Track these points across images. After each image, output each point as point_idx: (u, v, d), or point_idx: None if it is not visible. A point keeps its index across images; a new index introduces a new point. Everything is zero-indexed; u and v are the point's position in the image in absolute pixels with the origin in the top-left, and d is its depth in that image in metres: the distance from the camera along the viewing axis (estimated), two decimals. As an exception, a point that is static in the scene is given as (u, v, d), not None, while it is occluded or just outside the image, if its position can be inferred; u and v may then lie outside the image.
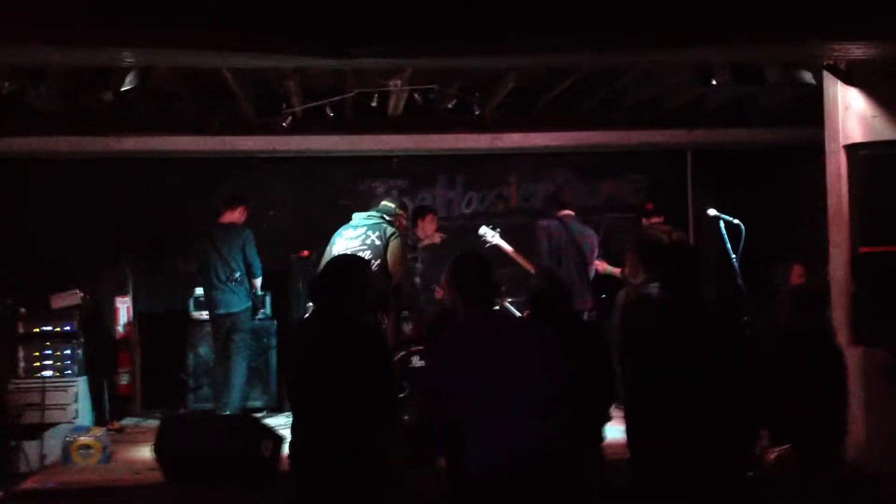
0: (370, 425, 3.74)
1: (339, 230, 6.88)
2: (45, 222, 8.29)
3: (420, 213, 7.72)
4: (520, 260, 7.30)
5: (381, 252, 6.62)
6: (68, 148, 7.77)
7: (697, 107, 8.02)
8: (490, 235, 7.42)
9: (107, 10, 4.41)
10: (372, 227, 6.78)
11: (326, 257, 6.61)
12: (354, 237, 6.75)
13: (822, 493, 4.68)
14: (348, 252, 6.36)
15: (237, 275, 7.38)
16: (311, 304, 4.91)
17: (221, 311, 7.46)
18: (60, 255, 8.18)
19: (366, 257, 6.37)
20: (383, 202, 7.17)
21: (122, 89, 5.55)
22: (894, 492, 5.10)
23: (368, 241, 6.71)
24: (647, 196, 9.02)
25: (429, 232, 7.62)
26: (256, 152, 8.13)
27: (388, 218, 6.91)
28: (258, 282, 7.65)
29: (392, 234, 6.70)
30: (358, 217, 6.91)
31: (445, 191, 9.19)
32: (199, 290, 7.96)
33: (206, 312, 7.78)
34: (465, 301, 3.84)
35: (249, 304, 7.53)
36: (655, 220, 7.56)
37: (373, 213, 6.93)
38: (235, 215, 7.63)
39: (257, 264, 7.53)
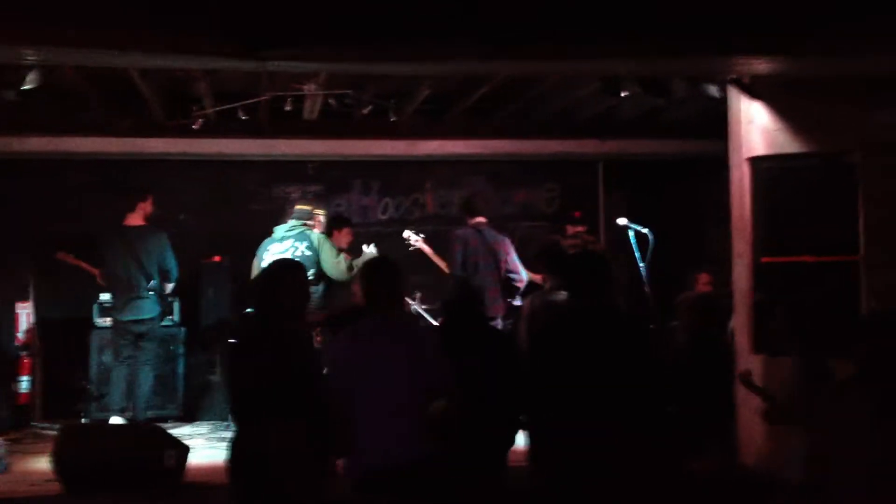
0: (308, 428, 3.77)
1: (264, 244, 6.88)
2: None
3: (337, 223, 7.68)
4: (440, 263, 7.42)
5: (314, 261, 6.66)
6: (-33, 148, 7.50)
7: (609, 118, 8.18)
8: (413, 239, 7.62)
9: (6, 6, 4.27)
10: (298, 238, 6.79)
11: (255, 272, 6.57)
12: (283, 251, 6.72)
13: (720, 497, 4.81)
14: None
15: (153, 282, 7.17)
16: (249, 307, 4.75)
17: (129, 318, 7.20)
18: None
19: None
20: (297, 206, 7.14)
21: (24, 88, 5.38)
22: (788, 495, 5.26)
23: (298, 254, 6.70)
24: (561, 205, 9.16)
25: (343, 244, 7.58)
26: (167, 154, 7.97)
27: (309, 223, 6.90)
28: (169, 286, 7.45)
29: (319, 239, 6.72)
30: (280, 230, 6.90)
31: (361, 196, 9.16)
32: (105, 296, 7.73)
33: (110, 318, 7.52)
34: (369, 305, 3.92)
35: (160, 310, 7.33)
36: (580, 228, 7.68)
37: (293, 222, 6.91)
38: (140, 213, 7.30)
39: (175, 270, 7.33)
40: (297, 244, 6.81)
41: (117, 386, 7.18)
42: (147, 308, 7.21)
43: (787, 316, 4.27)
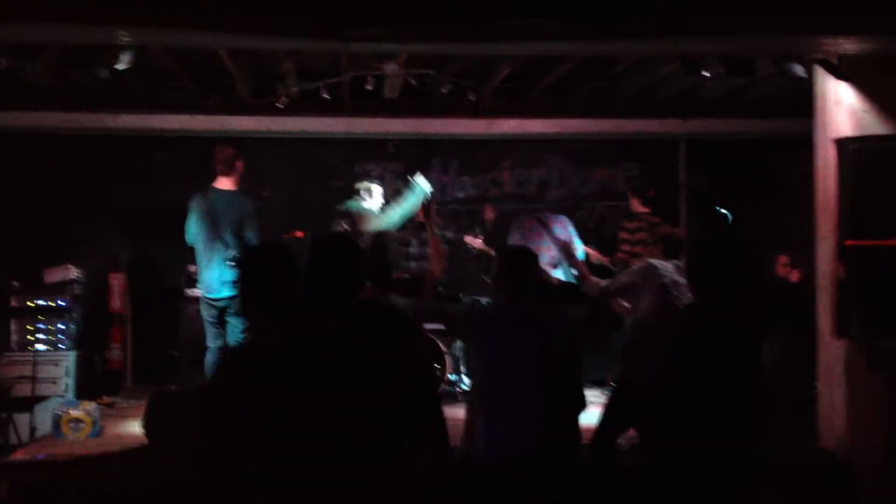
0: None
1: None
2: (39, 197, 8.34)
3: None
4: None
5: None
6: (66, 124, 7.83)
7: (691, 97, 8.07)
8: (476, 243, 7.79)
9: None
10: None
11: None
12: None
13: (798, 479, 4.78)
14: None
15: (230, 252, 6.55)
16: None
17: (211, 296, 6.64)
18: (55, 229, 8.23)
19: None
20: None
21: (118, 67, 5.57)
22: (868, 480, 5.20)
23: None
24: (641, 184, 9.06)
25: (420, 217, 7.79)
26: (252, 132, 8.17)
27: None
28: None
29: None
30: None
31: (440, 174, 9.23)
32: (193, 267, 7.85)
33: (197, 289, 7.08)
34: (500, 292, 4.13)
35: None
36: (645, 210, 7.67)
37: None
38: (233, 177, 6.66)
39: (252, 241, 6.55)
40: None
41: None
42: (224, 283, 6.56)
43: None
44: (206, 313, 6.74)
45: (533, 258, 4.28)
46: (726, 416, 3.82)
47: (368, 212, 7.22)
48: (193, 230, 6.68)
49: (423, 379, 3.44)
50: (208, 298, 6.70)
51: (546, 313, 4.19)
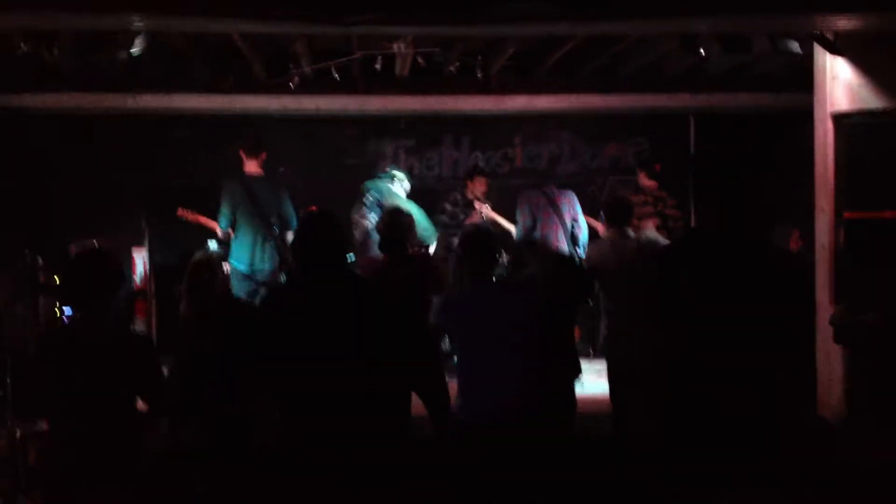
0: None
1: None
2: (63, 176, 8.57)
3: (469, 174, 8.24)
4: (509, 227, 7.78)
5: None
6: (88, 105, 8.01)
7: (700, 72, 8.10)
8: (485, 210, 7.91)
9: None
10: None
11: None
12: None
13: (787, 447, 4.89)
14: None
15: (276, 231, 7.14)
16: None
17: (250, 271, 7.12)
18: (79, 207, 8.46)
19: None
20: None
21: (133, 51, 5.76)
22: (856, 445, 5.32)
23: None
24: (650, 159, 9.14)
25: (478, 193, 8.06)
26: (267, 111, 8.32)
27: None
28: (289, 235, 7.25)
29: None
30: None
31: (451, 151, 9.37)
32: (212, 245, 8.00)
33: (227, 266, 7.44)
34: (468, 272, 4.26)
35: (278, 260, 7.20)
36: (651, 183, 7.77)
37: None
38: (260, 162, 7.21)
39: (293, 219, 7.24)
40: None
41: None
42: (269, 260, 7.16)
43: None
44: (241, 287, 7.02)
45: (489, 235, 4.43)
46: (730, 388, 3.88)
47: (396, 195, 7.45)
48: (231, 215, 7.13)
49: (404, 339, 3.62)
50: (246, 273, 7.11)
51: (519, 283, 4.32)
